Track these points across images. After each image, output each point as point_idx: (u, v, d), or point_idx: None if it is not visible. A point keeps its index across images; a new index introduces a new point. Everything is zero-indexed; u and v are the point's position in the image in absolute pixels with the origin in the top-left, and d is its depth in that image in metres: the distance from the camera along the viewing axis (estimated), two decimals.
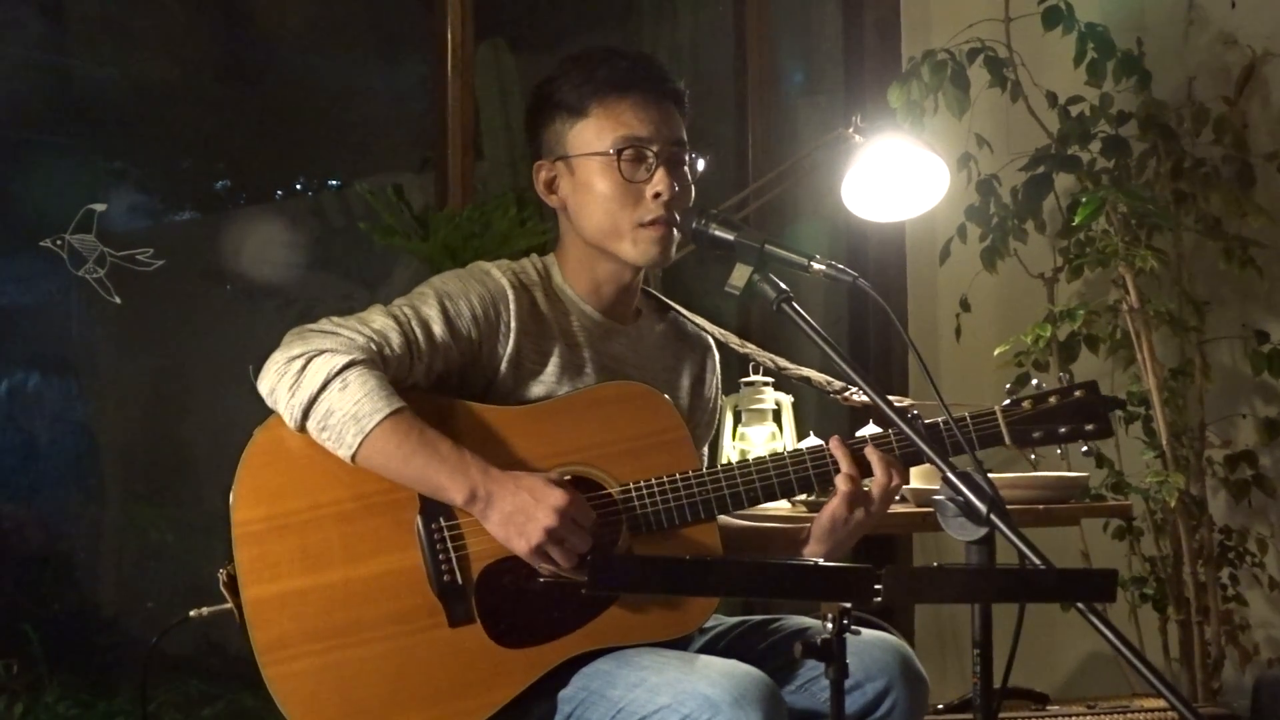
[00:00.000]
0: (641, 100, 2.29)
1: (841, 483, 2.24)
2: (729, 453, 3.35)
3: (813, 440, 3.24)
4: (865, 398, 2.42)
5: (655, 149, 2.28)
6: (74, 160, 3.73)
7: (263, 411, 2.19)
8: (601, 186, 2.28)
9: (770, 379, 3.35)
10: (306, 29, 4.29)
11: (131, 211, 3.93)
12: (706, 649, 2.33)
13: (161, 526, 3.83)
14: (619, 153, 2.27)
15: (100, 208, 3.49)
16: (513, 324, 2.26)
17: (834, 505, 2.25)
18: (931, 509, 1.90)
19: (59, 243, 3.44)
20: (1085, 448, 2.33)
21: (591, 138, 2.29)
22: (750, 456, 3.24)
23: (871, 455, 2.24)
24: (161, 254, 3.55)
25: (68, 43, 3.86)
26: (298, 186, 4.43)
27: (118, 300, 3.50)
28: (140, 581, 3.86)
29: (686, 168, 2.33)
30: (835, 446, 2.25)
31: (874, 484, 2.24)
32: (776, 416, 3.38)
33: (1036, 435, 2.28)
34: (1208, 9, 4.00)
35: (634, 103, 2.29)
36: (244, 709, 3.69)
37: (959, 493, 1.85)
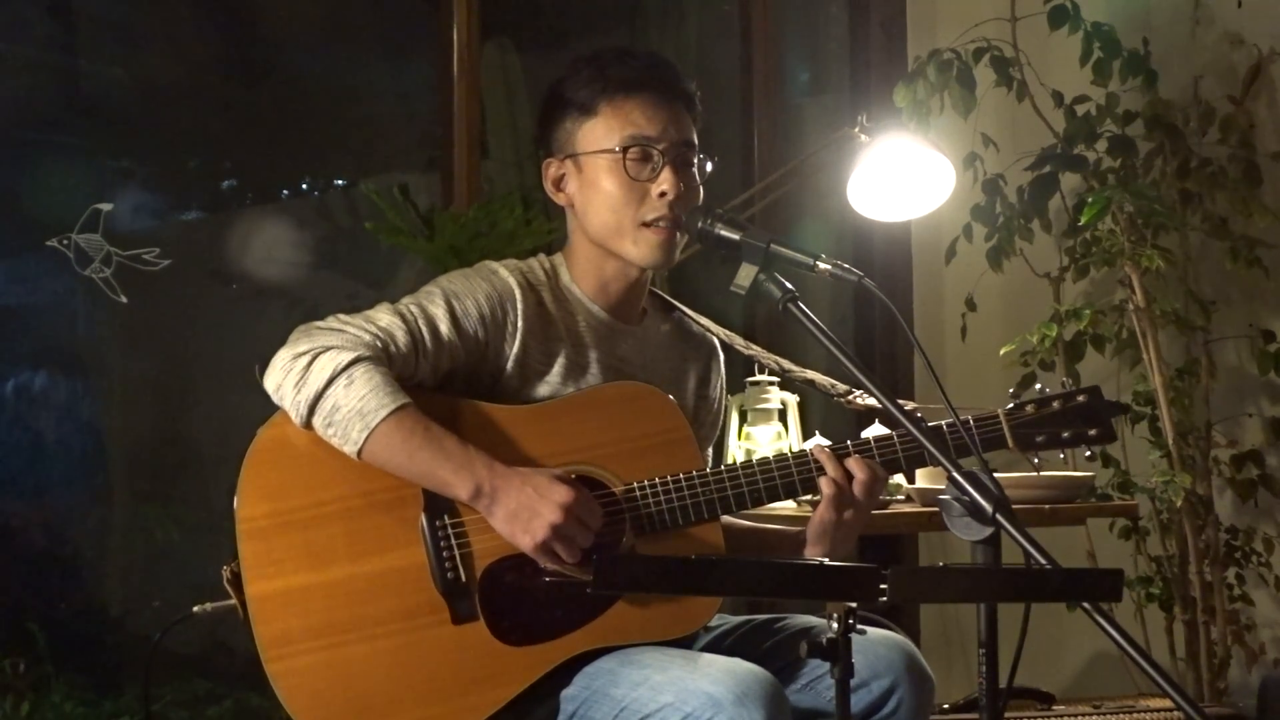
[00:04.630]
0: (650, 100, 2.30)
1: (825, 486, 2.24)
2: (734, 452, 3.35)
3: (820, 440, 3.24)
4: (869, 401, 2.43)
5: (662, 148, 2.28)
6: (80, 160, 3.74)
7: (268, 411, 2.19)
8: (607, 185, 2.29)
9: (776, 378, 3.34)
10: (313, 29, 4.29)
11: (137, 211, 3.94)
12: (711, 648, 2.33)
13: (167, 525, 3.84)
14: (624, 150, 2.27)
15: (106, 207, 3.50)
16: (519, 324, 2.26)
17: (821, 509, 2.26)
18: (937, 509, 1.90)
19: (65, 242, 3.45)
20: (1089, 453, 2.33)
21: (600, 136, 2.30)
22: (755, 455, 3.26)
23: (850, 460, 2.25)
24: (167, 253, 3.56)
25: (74, 43, 3.87)
26: (303, 186, 4.44)
27: (124, 299, 3.50)
28: (146, 580, 3.87)
29: (695, 170, 2.33)
30: (818, 452, 2.26)
31: (855, 484, 2.25)
32: (782, 416, 3.38)
33: (1040, 439, 2.29)
34: (1214, 8, 4.00)
35: (642, 102, 2.29)
36: (250, 708, 3.70)
37: (964, 492, 1.84)
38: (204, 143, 4.05)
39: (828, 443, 2.33)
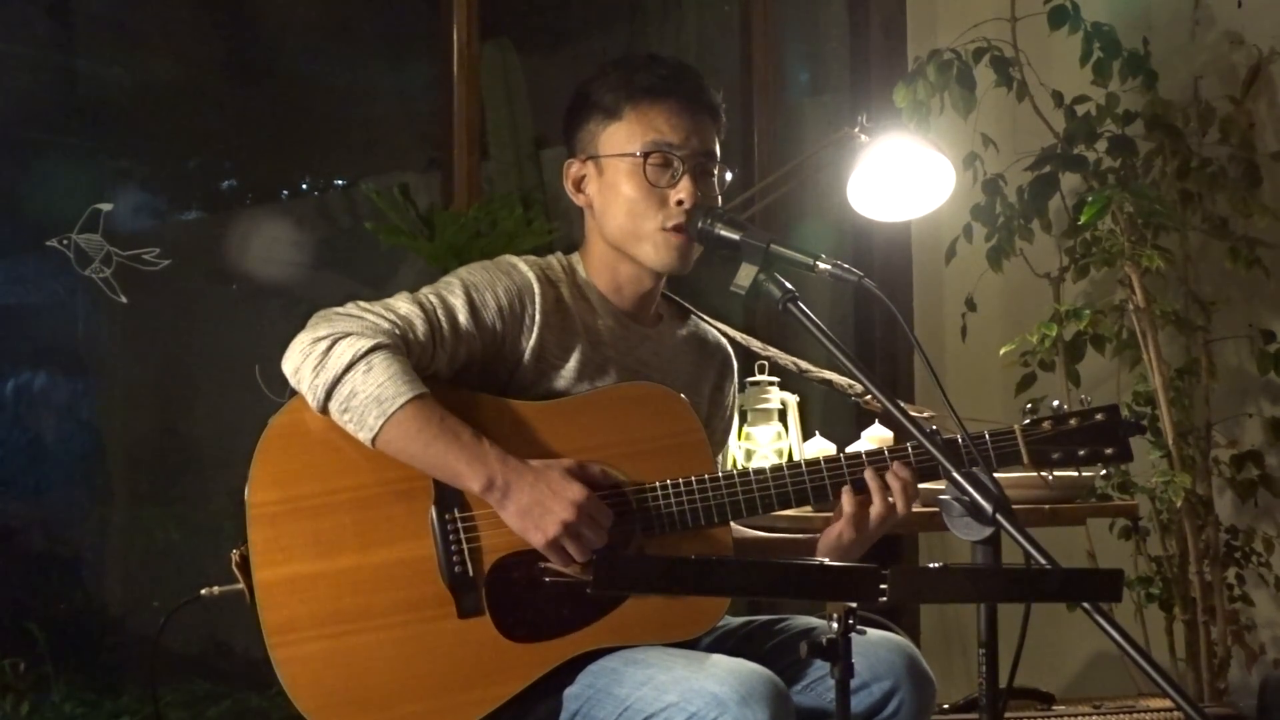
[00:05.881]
0: (675, 107, 2.31)
1: (847, 504, 2.25)
2: (734, 452, 3.34)
3: (822, 442, 3.24)
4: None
5: (683, 156, 2.29)
6: (80, 160, 3.74)
7: (268, 410, 2.20)
8: (627, 189, 2.30)
9: (776, 379, 3.34)
10: (312, 29, 4.29)
11: (137, 211, 3.93)
12: (713, 649, 2.33)
13: (167, 525, 3.83)
14: (645, 156, 2.28)
15: (106, 207, 3.49)
16: (537, 317, 2.27)
17: (840, 525, 2.27)
18: (937, 509, 1.90)
19: (65, 242, 3.45)
20: (1104, 471, 2.32)
21: (622, 140, 2.31)
22: (756, 455, 3.26)
23: (892, 479, 2.26)
24: (167, 254, 3.56)
25: (74, 42, 3.86)
26: (303, 186, 4.43)
27: (124, 300, 3.50)
28: (146, 580, 3.87)
29: (715, 180, 2.34)
30: (870, 475, 2.26)
31: (873, 513, 2.26)
32: (782, 416, 3.37)
33: (1055, 456, 2.28)
34: (1214, 8, 4.00)
35: (667, 109, 2.30)
36: (250, 708, 3.70)
37: (965, 493, 1.84)
38: (204, 142, 4.05)
39: (831, 446, 2.33)
